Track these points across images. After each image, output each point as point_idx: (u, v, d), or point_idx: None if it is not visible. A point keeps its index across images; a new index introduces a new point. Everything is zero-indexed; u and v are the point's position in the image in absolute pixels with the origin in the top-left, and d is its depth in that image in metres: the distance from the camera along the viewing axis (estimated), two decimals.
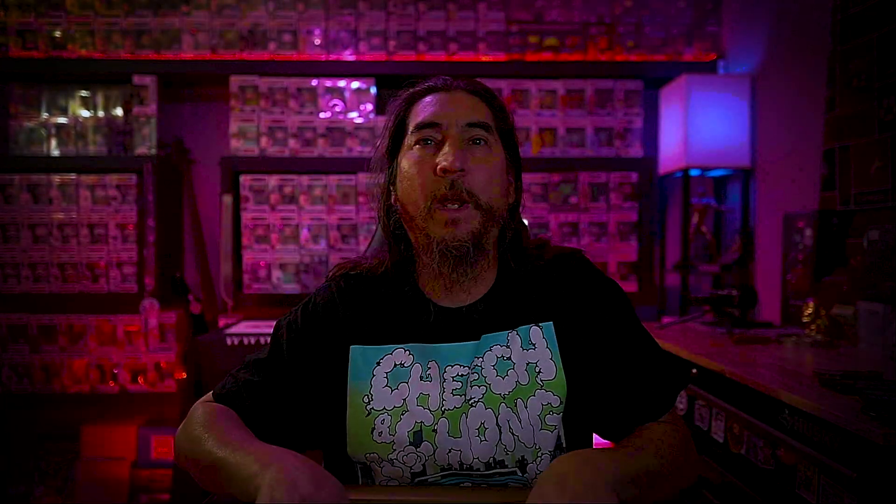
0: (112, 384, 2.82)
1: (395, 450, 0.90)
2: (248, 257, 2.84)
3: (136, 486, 2.75)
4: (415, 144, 0.95)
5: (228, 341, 2.40)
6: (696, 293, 2.73)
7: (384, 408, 0.91)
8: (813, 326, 1.98)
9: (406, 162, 0.95)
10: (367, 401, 0.92)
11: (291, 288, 2.82)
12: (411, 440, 0.89)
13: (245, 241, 2.84)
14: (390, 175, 1.00)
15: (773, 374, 1.56)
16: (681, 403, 1.91)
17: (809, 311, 2.00)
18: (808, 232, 2.12)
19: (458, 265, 0.91)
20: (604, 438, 1.01)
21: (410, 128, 0.96)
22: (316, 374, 0.95)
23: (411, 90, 1.00)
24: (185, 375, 2.61)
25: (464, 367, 0.92)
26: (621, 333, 0.97)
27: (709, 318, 2.32)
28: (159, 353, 2.82)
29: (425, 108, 0.96)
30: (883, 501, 1.11)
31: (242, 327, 2.54)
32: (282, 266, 2.84)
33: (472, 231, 0.91)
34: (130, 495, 2.75)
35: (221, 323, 2.75)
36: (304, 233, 2.84)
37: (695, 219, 2.81)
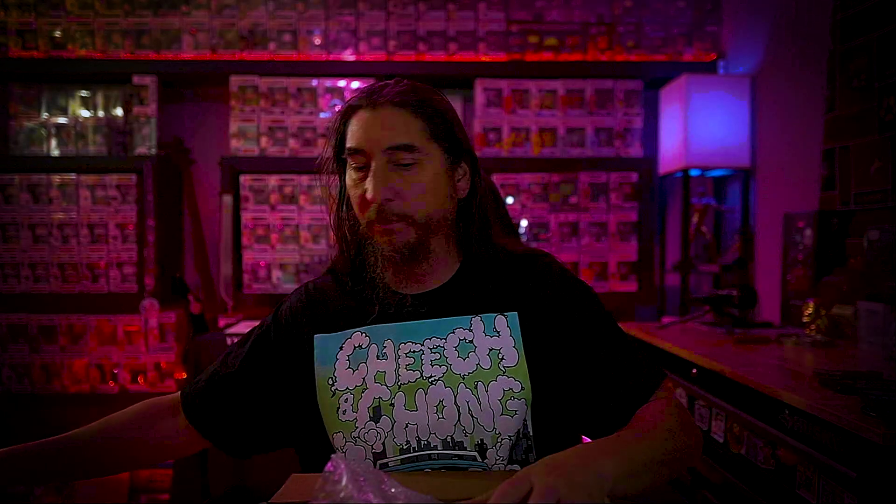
0: (112, 384, 2.82)
1: (357, 427, 0.94)
2: (248, 257, 2.84)
3: (136, 486, 2.75)
4: (351, 166, 0.99)
5: (228, 341, 2.39)
6: (696, 293, 2.73)
7: (346, 387, 0.97)
8: (813, 326, 1.98)
9: (347, 180, 1.00)
10: (331, 383, 0.98)
11: (291, 288, 2.82)
12: (371, 416, 0.94)
13: (245, 241, 2.84)
14: (342, 183, 1.03)
15: (773, 374, 1.56)
16: (682, 403, 1.91)
17: (809, 311, 2.00)
18: (808, 232, 2.12)
19: (404, 264, 0.97)
20: (595, 437, 1.00)
21: (346, 147, 0.99)
22: (282, 365, 1.02)
23: (346, 103, 1.02)
24: (185, 375, 2.61)
25: (416, 343, 0.97)
26: (593, 327, 0.99)
27: (709, 318, 2.32)
28: (159, 353, 2.82)
29: (353, 133, 0.98)
30: (883, 501, 1.12)
31: (242, 327, 2.54)
32: (282, 266, 2.84)
33: (407, 241, 0.96)
34: (130, 495, 2.75)
35: (221, 323, 2.75)
36: (304, 233, 2.84)
37: (695, 219, 2.81)
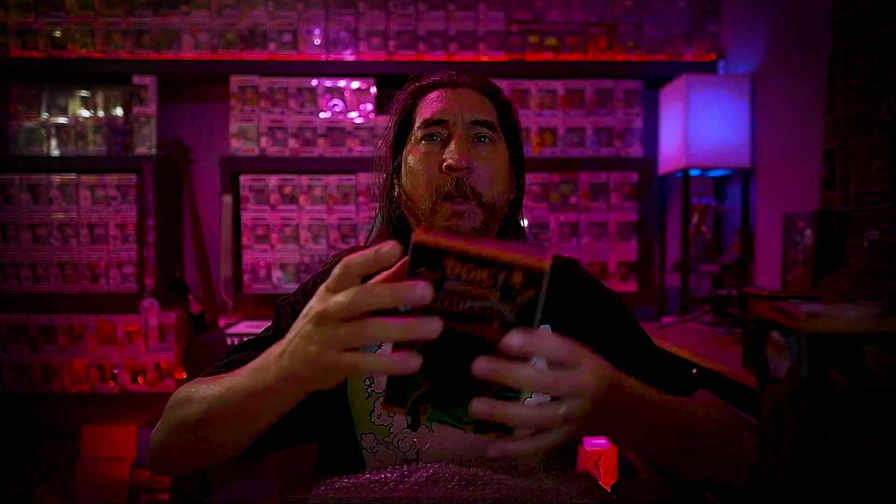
0: (112, 384, 2.82)
1: (391, 432, 0.91)
2: (248, 257, 2.84)
3: (136, 486, 2.75)
4: (421, 140, 0.96)
5: (228, 341, 2.39)
6: (696, 293, 2.72)
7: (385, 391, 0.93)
8: None
9: (412, 157, 0.96)
10: (368, 384, 0.93)
11: (292, 288, 2.82)
12: (409, 423, 0.91)
13: (245, 241, 2.84)
14: (394, 167, 1.00)
15: None
16: None
17: None
18: (808, 232, 2.12)
19: None
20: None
21: (417, 123, 0.97)
22: None
23: (418, 84, 1.02)
24: (185, 375, 2.61)
25: None
26: (624, 339, 0.96)
27: (709, 318, 2.32)
28: (159, 353, 2.82)
29: (431, 105, 0.97)
30: None
31: (242, 327, 2.54)
32: (282, 266, 2.84)
33: (473, 227, 0.93)
34: (130, 495, 2.75)
35: (221, 323, 2.75)
36: (304, 233, 2.84)
37: (695, 219, 2.81)
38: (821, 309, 0.45)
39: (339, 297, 0.58)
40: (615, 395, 0.64)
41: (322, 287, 0.61)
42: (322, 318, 0.59)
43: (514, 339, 0.55)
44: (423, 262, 0.55)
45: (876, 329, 0.43)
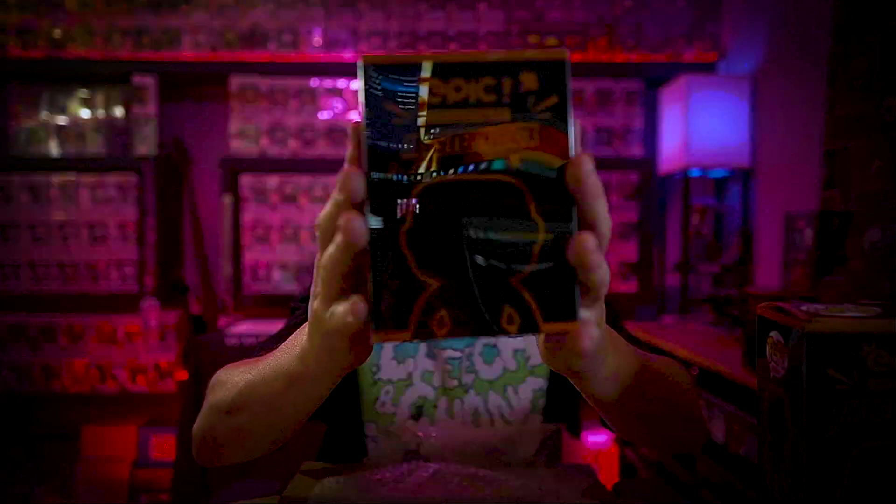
0: (112, 384, 2.82)
1: (395, 422, 0.93)
2: (248, 257, 2.85)
3: (136, 486, 2.75)
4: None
5: (228, 341, 2.39)
6: (696, 293, 2.73)
7: (389, 379, 0.95)
8: None
9: None
10: (374, 371, 0.96)
11: (291, 288, 2.83)
12: (412, 413, 0.93)
13: (245, 241, 2.84)
14: None
15: None
16: None
17: None
18: (808, 232, 2.12)
19: None
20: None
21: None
22: None
23: None
24: (185, 375, 2.61)
25: (456, 349, 0.96)
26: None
27: (709, 318, 2.32)
28: (159, 353, 2.82)
29: None
30: None
31: (242, 327, 2.54)
32: (282, 266, 2.84)
33: None
34: (130, 495, 2.75)
35: (221, 323, 2.75)
36: (304, 233, 2.84)
37: (695, 219, 2.81)
38: (821, 309, 0.45)
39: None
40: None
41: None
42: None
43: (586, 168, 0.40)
44: (384, 94, 0.38)
45: (877, 329, 0.43)
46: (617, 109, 2.90)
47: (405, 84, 0.38)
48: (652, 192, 2.90)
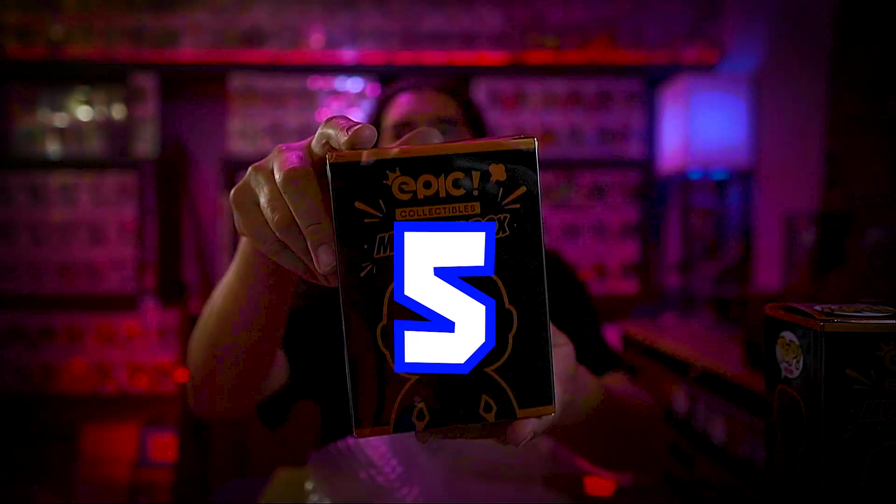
0: (112, 384, 2.82)
1: None
2: None
3: (136, 487, 2.75)
4: (390, 141, 1.02)
5: None
6: (696, 293, 2.73)
7: None
8: None
9: None
10: None
11: None
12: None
13: None
14: None
15: None
16: (682, 403, 1.91)
17: None
18: (809, 232, 2.12)
19: None
20: None
21: (386, 126, 1.05)
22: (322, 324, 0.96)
23: (385, 90, 1.10)
24: (185, 376, 2.61)
25: None
26: (574, 310, 1.04)
27: (709, 318, 2.33)
28: (159, 353, 2.82)
29: (399, 108, 1.05)
30: None
31: None
32: None
33: None
34: (130, 495, 2.75)
35: None
36: None
37: (695, 219, 2.81)
38: (835, 309, 0.45)
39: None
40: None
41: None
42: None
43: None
44: (352, 191, 0.37)
45: (894, 329, 0.43)
46: (617, 109, 2.90)
47: (374, 181, 0.37)
48: (652, 193, 2.91)
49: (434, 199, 0.37)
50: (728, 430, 1.67)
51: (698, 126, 2.63)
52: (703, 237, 2.83)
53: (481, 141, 0.38)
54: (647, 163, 2.90)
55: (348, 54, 2.90)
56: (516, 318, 0.39)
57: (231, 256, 2.91)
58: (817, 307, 0.46)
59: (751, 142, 2.66)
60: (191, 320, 2.80)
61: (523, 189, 0.38)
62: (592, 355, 0.95)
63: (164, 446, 2.74)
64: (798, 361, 0.46)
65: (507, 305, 0.39)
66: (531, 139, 0.38)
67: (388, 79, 2.90)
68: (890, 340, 0.42)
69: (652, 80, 2.95)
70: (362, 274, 0.38)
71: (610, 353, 1.01)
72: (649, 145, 2.96)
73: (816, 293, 2.05)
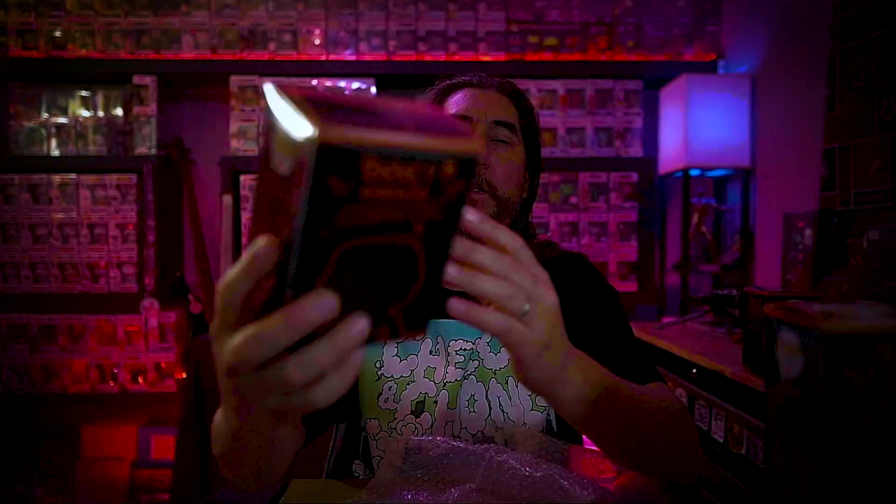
0: (112, 384, 2.82)
1: (396, 418, 0.95)
2: None
3: (136, 486, 2.75)
4: None
5: None
6: (696, 293, 2.73)
7: (392, 376, 0.97)
8: None
9: None
10: (378, 366, 0.97)
11: None
12: (413, 409, 0.95)
13: (245, 241, 2.84)
14: None
15: None
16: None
17: None
18: (808, 232, 2.12)
19: None
20: None
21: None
22: None
23: (448, 82, 1.08)
24: (184, 375, 2.61)
25: (468, 341, 0.98)
26: (608, 324, 1.01)
27: (709, 318, 2.32)
28: (159, 353, 2.82)
29: (459, 102, 1.04)
30: None
31: None
32: None
33: (487, 214, 0.96)
34: (130, 495, 2.75)
35: None
36: None
37: (695, 219, 2.81)
38: (834, 308, 0.45)
39: (235, 344, 0.45)
40: (570, 352, 0.64)
41: (213, 325, 0.49)
42: (234, 373, 0.46)
43: (476, 220, 0.54)
44: (331, 167, 0.41)
45: (892, 329, 0.43)
46: (617, 109, 2.90)
47: (349, 162, 0.42)
48: (652, 192, 2.91)
49: (396, 183, 0.43)
50: (728, 429, 1.67)
51: (698, 126, 2.63)
52: (703, 237, 2.83)
53: (442, 139, 0.44)
54: (647, 163, 2.90)
55: (348, 54, 2.90)
56: (422, 273, 0.49)
57: (231, 256, 2.91)
58: (817, 307, 0.46)
59: (750, 142, 2.66)
60: (191, 320, 2.79)
61: (462, 184, 0.46)
62: (635, 367, 0.92)
63: (164, 446, 2.74)
64: (799, 361, 0.46)
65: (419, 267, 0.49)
66: (476, 143, 0.45)
67: (387, 79, 2.90)
68: (888, 340, 0.43)
69: (652, 81, 2.95)
70: (322, 235, 0.43)
71: (648, 363, 0.98)
72: (649, 145, 2.96)
73: (816, 293, 2.05)
